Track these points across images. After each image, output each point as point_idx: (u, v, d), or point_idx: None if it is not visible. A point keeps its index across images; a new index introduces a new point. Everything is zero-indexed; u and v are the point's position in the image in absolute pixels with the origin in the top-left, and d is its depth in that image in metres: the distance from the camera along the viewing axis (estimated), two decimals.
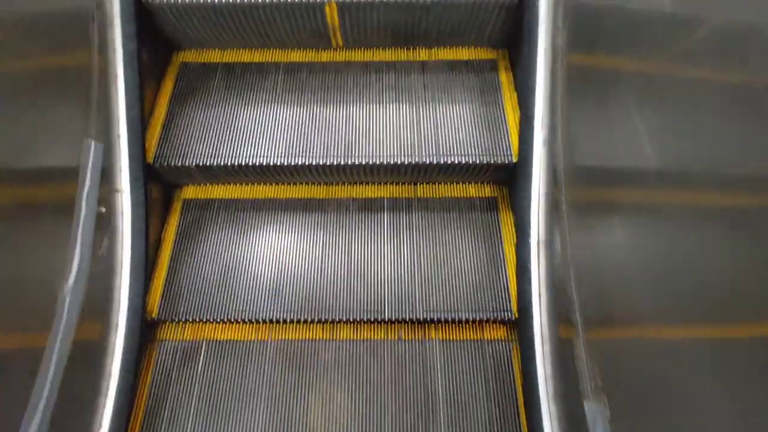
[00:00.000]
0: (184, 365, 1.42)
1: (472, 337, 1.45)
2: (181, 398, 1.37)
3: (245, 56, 1.67)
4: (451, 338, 1.45)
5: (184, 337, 1.46)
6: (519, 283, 1.39)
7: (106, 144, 1.30)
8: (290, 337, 1.45)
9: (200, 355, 1.43)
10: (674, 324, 0.78)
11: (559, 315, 1.23)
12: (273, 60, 1.66)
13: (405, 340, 1.44)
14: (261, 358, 1.42)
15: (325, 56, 1.66)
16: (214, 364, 1.42)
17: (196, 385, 1.39)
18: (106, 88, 1.31)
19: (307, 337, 1.46)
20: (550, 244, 1.29)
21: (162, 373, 1.41)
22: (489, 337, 1.44)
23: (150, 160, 1.45)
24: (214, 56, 1.67)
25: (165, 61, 1.64)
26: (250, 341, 1.45)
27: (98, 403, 1.25)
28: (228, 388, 1.38)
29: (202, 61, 1.66)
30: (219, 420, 1.34)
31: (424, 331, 1.46)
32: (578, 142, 1.15)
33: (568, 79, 1.20)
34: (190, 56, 1.67)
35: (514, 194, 1.51)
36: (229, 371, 1.40)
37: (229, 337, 1.46)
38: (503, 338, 1.44)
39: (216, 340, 1.46)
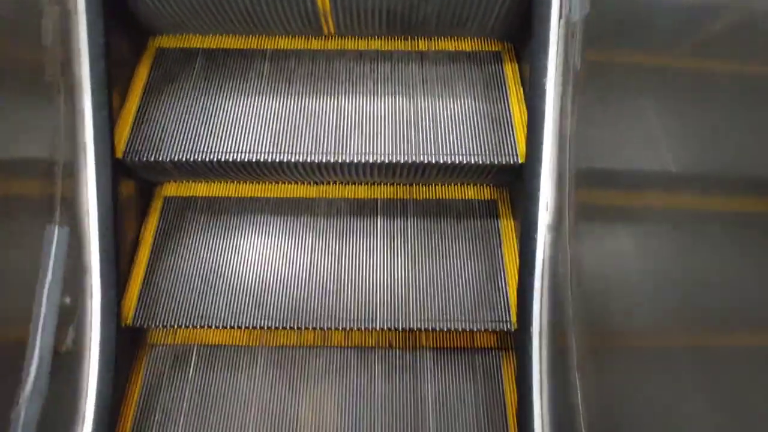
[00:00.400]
0: (175, 370, 1.41)
1: (462, 346, 1.44)
2: (172, 403, 1.37)
3: (228, 42, 1.54)
4: (441, 346, 1.44)
5: (175, 342, 1.45)
6: (520, 291, 1.31)
7: (69, 136, 1.17)
8: (281, 344, 1.44)
9: (191, 360, 1.42)
10: (681, 352, 0.72)
11: (559, 325, 1.17)
12: (258, 46, 1.54)
13: (396, 348, 1.43)
14: (252, 364, 1.42)
15: (315, 44, 1.55)
16: (205, 369, 1.41)
17: (187, 389, 1.38)
18: (69, 78, 1.18)
19: (298, 344, 1.44)
20: (554, 251, 1.21)
21: (153, 377, 1.40)
22: (479, 346, 1.44)
23: (119, 155, 1.33)
24: (193, 41, 1.54)
25: (139, 47, 1.51)
26: (241, 347, 1.44)
27: (77, 417, 1.19)
28: (219, 394, 1.38)
29: (180, 46, 1.53)
30: (209, 426, 1.34)
31: (415, 339, 1.44)
32: (589, 144, 1.06)
33: (580, 74, 1.11)
34: (168, 41, 1.54)
35: (518, 198, 1.42)
36: (220, 376, 1.40)
37: (220, 342, 1.44)
38: (493, 347, 1.44)
39: (207, 345, 1.44)
